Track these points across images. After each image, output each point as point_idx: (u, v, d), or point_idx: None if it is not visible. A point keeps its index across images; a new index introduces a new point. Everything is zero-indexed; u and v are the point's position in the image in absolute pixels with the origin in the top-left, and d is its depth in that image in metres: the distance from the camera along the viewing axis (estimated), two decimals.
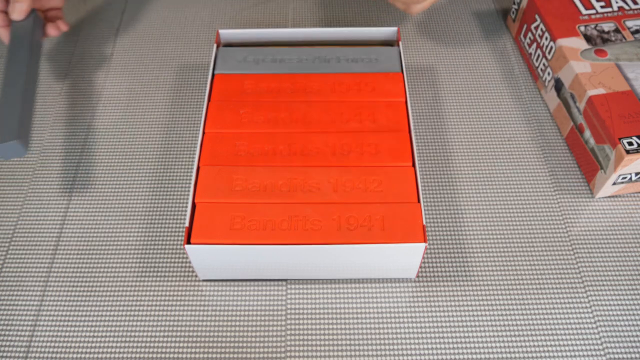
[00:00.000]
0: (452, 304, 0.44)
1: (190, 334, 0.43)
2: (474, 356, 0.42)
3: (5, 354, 0.42)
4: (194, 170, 0.44)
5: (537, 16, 0.57)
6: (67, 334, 0.43)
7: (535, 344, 0.43)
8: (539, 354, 0.42)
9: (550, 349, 0.42)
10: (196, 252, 0.41)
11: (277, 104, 0.49)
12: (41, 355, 0.42)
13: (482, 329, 0.43)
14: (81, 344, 0.43)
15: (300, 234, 0.41)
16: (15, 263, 0.47)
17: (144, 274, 0.46)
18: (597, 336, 0.43)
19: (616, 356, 0.42)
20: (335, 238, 0.41)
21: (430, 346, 0.42)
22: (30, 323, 0.44)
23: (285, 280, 0.46)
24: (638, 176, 0.48)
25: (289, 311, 0.44)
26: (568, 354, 0.42)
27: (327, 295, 0.45)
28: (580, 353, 0.42)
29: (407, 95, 0.49)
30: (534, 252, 0.47)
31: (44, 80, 0.59)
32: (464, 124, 0.55)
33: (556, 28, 0.54)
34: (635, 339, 0.43)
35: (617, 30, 0.54)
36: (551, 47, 0.54)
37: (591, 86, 0.50)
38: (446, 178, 0.52)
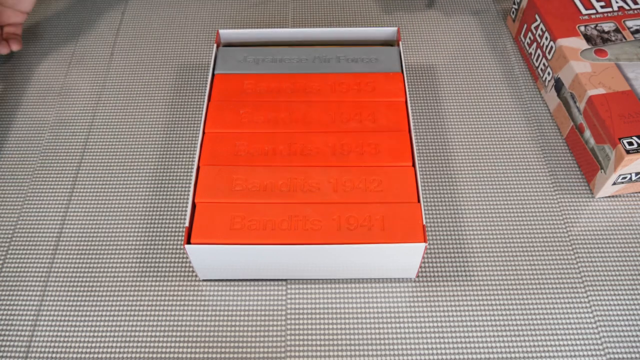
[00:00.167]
0: (452, 304, 0.44)
1: (190, 334, 0.43)
2: (474, 356, 0.42)
3: (5, 354, 0.42)
4: (194, 170, 0.44)
5: (537, 16, 0.57)
6: (67, 334, 0.43)
7: (535, 344, 0.43)
8: (539, 354, 0.42)
9: (550, 349, 0.42)
10: (196, 252, 0.41)
11: (277, 104, 0.49)
12: (41, 355, 0.42)
13: (482, 329, 0.43)
14: (81, 344, 0.43)
15: (300, 234, 0.41)
16: (15, 263, 0.47)
17: (144, 274, 0.46)
18: (597, 336, 0.43)
19: (616, 356, 0.42)
20: (335, 238, 0.41)
21: (430, 346, 0.42)
22: (30, 323, 0.44)
23: (285, 280, 0.46)
24: (638, 176, 0.48)
25: (289, 311, 0.44)
26: (568, 354, 0.42)
27: (327, 295, 0.45)
28: (580, 353, 0.42)
29: (407, 95, 0.49)
30: (534, 252, 0.47)
31: (44, 80, 0.59)
32: (464, 124, 0.55)
33: (556, 28, 0.54)
34: (635, 339, 0.43)
35: (617, 30, 0.54)
36: (551, 47, 0.54)
37: (591, 86, 0.50)
38: (446, 178, 0.52)
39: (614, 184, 0.49)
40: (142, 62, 0.61)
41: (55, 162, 0.53)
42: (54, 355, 0.42)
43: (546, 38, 0.55)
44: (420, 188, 0.43)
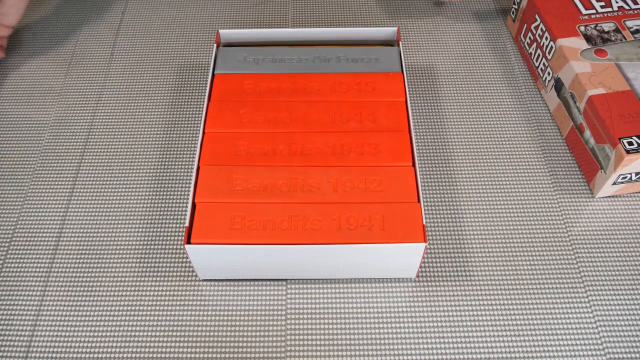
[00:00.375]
0: (452, 304, 0.44)
1: (190, 334, 0.43)
2: (474, 356, 0.42)
3: (5, 354, 0.42)
4: (194, 170, 0.44)
5: (537, 16, 0.57)
6: (67, 334, 0.43)
7: (535, 344, 0.43)
8: (539, 354, 0.42)
9: (550, 349, 0.42)
10: (196, 252, 0.41)
11: (277, 104, 0.49)
12: (41, 355, 0.42)
13: (482, 329, 0.43)
14: (81, 344, 0.43)
15: (300, 233, 0.41)
16: (15, 263, 0.47)
17: (144, 274, 0.46)
18: (597, 336, 0.43)
19: (616, 356, 0.42)
20: (335, 238, 0.41)
21: (430, 346, 0.42)
22: (30, 323, 0.44)
23: (285, 280, 0.46)
24: (638, 176, 0.48)
25: (289, 311, 0.44)
26: (568, 354, 0.42)
27: (327, 295, 0.45)
28: (580, 353, 0.42)
29: (407, 95, 0.49)
30: (534, 252, 0.47)
31: (44, 80, 0.59)
32: (464, 124, 0.55)
33: (556, 28, 0.54)
34: (635, 339, 0.43)
35: (617, 30, 0.54)
36: (551, 47, 0.54)
37: (591, 86, 0.50)
38: (446, 178, 0.52)
39: (614, 184, 0.49)
40: (142, 62, 0.61)
41: (55, 162, 0.53)
42: (54, 355, 0.42)
43: (546, 38, 0.55)
44: (420, 188, 0.43)
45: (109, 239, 0.48)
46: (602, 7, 0.56)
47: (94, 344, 0.43)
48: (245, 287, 0.45)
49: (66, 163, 0.53)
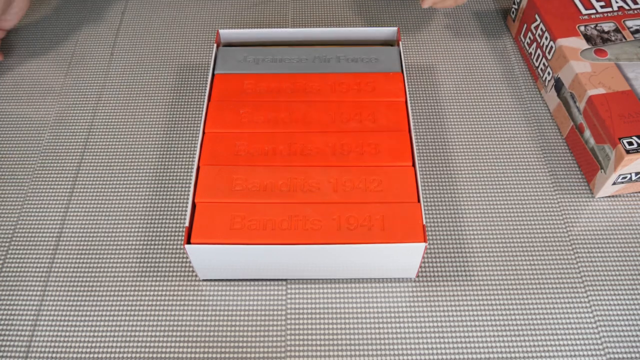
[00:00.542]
0: (452, 304, 0.44)
1: (190, 334, 0.43)
2: (474, 356, 0.42)
3: (5, 354, 0.42)
4: (194, 170, 0.44)
5: (537, 16, 0.57)
6: (67, 334, 0.43)
7: (535, 344, 0.43)
8: (539, 354, 0.42)
9: (550, 349, 0.42)
10: (196, 252, 0.41)
11: (277, 104, 0.49)
12: (41, 355, 0.42)
13: (482, 329, 0.43)
14: (81, 344, 0.43)
15: (300, 233, 0.41)
16: (15, 263, 0.47)
17: (144, 274, 0.46)
18: (597, 336, 0.43)
19: (616, 356, 0.42)
20: (335, 238, 0.41)
21: (430, 346, 0.42)
22: (30, 323, 0.44)
23: (285, 280, 0.46)
24: (638, 176, 0.48)
25: (289, 311, 0.44)
26: (568, 354, 0.42)
27: (327, 295, 0.45)
28: (580, 353, 0.42)
29: (407, 95, 0.49)
30: (534, 252, 0.47)
31: (44, 80, 0.59)
32: (464, 124, 0.55)
33: (556, 28, 0.54)
34: (635, 339, 0.43)
35: (617, 30, 0.54)
36: (551, 47, 0.54)
37: (591, 86, 0.50)
38: (446, 178, 0.52)
39: (614, 183, 0.49)
40: (142, 62, 0.61)
41: (55, 162, 0.53)
42: (54, 355, 0.42)
43: (546, 38, 0.55)
44: (420, 188, 0.43)
45: (109, 239, 0.48)
46: (602, 7, 0.56)
47: (94, 344, 0.43)
48: (245, 287, 0.45)
49: (66, 163, 0.53)
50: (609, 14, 0.55)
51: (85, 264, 0.47)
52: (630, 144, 0.46)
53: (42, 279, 0.46)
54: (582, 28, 0.54)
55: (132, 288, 0.45)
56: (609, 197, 0.50)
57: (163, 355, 0.42)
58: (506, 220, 0.49)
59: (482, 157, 0.53)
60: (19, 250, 0.48)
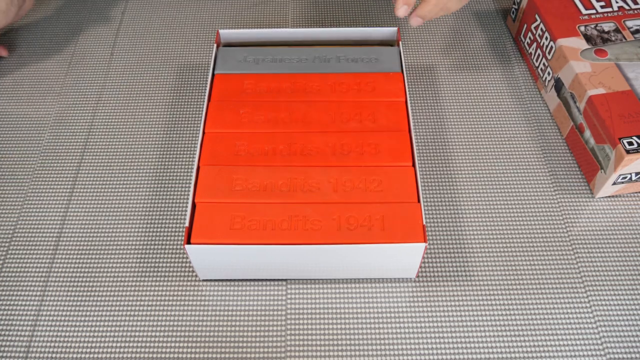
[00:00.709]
0: (452, 304, 0.44)
1: (190, 334, 0.43)
2: (474, 356, 0.42)
3: (5, 354, 0.42)
4: (194, 170, 0.44)
5: (537, 16, 0.57)
6: (67, 334, 0.43)
7: (535, 344, 0.43)
8: (539, 354, 0.42)
9: (550, 349, 0.42)
10: (196, 252, 0.41)
11: (277, 104, 0.49)
12: (41, 355, 0.42)
13: (482, 329, 0.43)
14: (81, 344, 0.43)
15: (300, 234, 0.41)
16: (15, 263, 0.47)
17: (144, 274, 0.46)
18: (597, 336, 0.43)
19: (616, 356, 0.42)
20: (335, 238, 0.41)
21: (430, 346, 0.42)
22: (30, 323, 0.44)
23: (285, 280, 0.46)
24: (638, 176, 0.48)
25: (289, 311, 0.44)
26: (568, 354, 0.42)
27: (327, 295, 0.45)
28: (580, 353, 0.42)
29: (407, 95, 0.49)
30: (534, 252, 0.47)
31: (44, 80, 0.59)
32: (464, 124, 0.55)
33: (556, 28, 0.54)
34: (635, 339, 0.43)
35: (617, 30, 0.54)
36: (551, 47, 0.54)
37: (591, 86, 0.50)
38: (446, 178, 0.52)
39: (614, 184, 0.49)
40: (142, 62, 0.61)
41: (55, 162, 0.53)
42: (54, 355, 0.42)
43: (546, 38, 0.55)
44: (420, 188, 0.43)
45: (109, 239, 0.48)
46: (602, 7, 0.56)
47: (94, 344, 0.43)
48: (245, 287, 0.45)
49: (66, 163, 0.53)
50: (609, 14, 0.55)
51: (85, 264, 0.47)
52: (630, 144, 0.46)
53: (42, 279, 0.46)
54: (582, 28, 0.54)
55: (132, 288, 0.45)
56: (609, 197, 0.50)
57: (163, 355, 0.42)
58: (506, 220, 0.49)
59: (482, 157, 0.53)
60: (19, 250, 0.48)
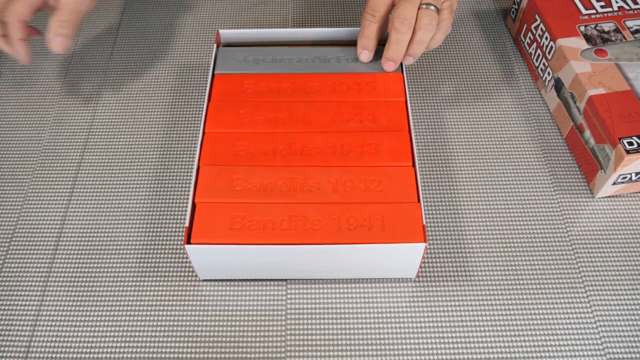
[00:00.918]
0: (452, 304, 0.44)
1: (190, 334, 0.43)
2: (474, 356, 0.42)
3: (5, 354, 0.42)
4: (194, 170, 0.44)
5: (537, 16, 0.57)
6: (67, 334, 0.43)
7: (535, 344, 0.43)
8: (539, 354, 0.42)
9: (550, 349, 0.42)
10: (196, 252, 0.41)
11: (277, 104, 0.49)
12: (41, 355, 0.42)
13: (482, 329, 0.43)
14: (81, 344, 0.43)
15: (300, 234, 0.41)
16: (15, 263, 0.47)
17: (144, 274, 0.46)
18: (597, 336, 0.43)
19: (616, 356, 0.42)
20: (335, 238, 0.41)
21: (430, 346, 0.42)
22: (30, 323, 0.44)
23: (285, 280, 0.46)
24: (638, 176, 0.48)
25: (289, 311, 0.44)
26: (568, 354, 0.42)
27: (327, 295, 0.45)
28: (580, 353, 0.42)
29: (407, 95, 0.49)
30: (534, 252, 0.47)
31: (44, 80, 0.59)
32: (464, 124, 0.55)
33: (556, 28, 0.54)
34: (635, 339, 0.43)
35: (617, 30, 0.54)
36: (551, 47, 0.54)
37: (591, 86, 0.50)
38: (446, 178, 0.52)
39: (614, 184, 0.49)
40: (142, 62, 0.61)
41: (55, 162, 0.53)
42: (54, 355, 0.42)
43: (546, 38, 0.55)
44: (420, 188, 0.43)
45: (109, 239, 0.48)
46: (602, 7, 0.56)
47: (94, 344, 0.43)
48: (245, 287, 0.45)
49: (66, 163, 0.53)
50: (609, 14, 0.55)
51: (85, 264, 0.47)
52: (631, 144, 0.46)
53: (42, 279, 0.46)
54: (582, 28, 0.54)
55: (132, 288, 0.45)
56: (609, 197, 0.50)
57: (163, 355, 0.42)
58: (506, 220, 0.49)
59: (482, 157, 0.53)
60: (19, 250, 0.48)
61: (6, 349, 0.42)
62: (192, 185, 0.44)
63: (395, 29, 0.47)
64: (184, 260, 0.47)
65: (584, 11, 0.56)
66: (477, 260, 0.47)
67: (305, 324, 0.43)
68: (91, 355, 0.42)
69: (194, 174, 0.44)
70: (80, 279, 0.46)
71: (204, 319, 0.44)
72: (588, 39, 0.53)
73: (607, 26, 0.54)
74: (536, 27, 0.57)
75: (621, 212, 0.49)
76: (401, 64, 0.51)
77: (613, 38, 0.53)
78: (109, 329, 0.43)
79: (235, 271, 0.44)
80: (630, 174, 0.48)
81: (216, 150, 0.46)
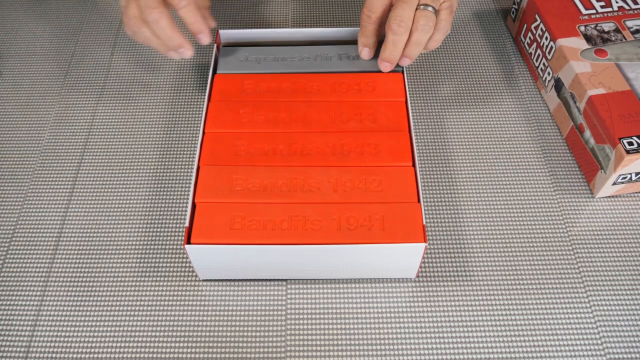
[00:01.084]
0: (452, 304, 0.44)
1: (190, 334, 0.43)
2: (474, 356, 0.42)
3: (5, 354, 0.42)
4: (194, 170, 0.44)
5: (537, 16, 0.57)
6: (67, 334, 0.43)
7: (535, 344, 0.43)
8: (539, 354, 0.42)
9: (550, 349, 0.42)
10: (196, 252, 0.41)
11: (277, 103, 0.49)
12: (41, 355, 0.42)
13: (482, 329, 0.43)
14: (81, 344, 0.43)
15: (300, 234, 0.41)
16: (15, 263, 0.47)
17: (144, 274, 0.46)
18: (597, 336, 0.43)
19: (616, 356, 0.42)
20: (335, 238, 0.41)
21: (430, 346, 0.42)
22: (30, 323, 0.44)
23: (285, 280, 0.46)
24: (638, 176, 0.48)
25: (289, 311, 0.44)
26: (568, 354, 0.42)
27: (327, 295, 0.45)
28: (580, 353, 0.42)
29: (407, 95, 0.49)
30: (534, 252, 0.47)
31: (44, 80, 0.59)
32: (464, 124, 0.55)
33: (556, 28, 0.54)
34: (635, 339, 0.43)
35: (617, 30, 0.54)
36: (551, 47, 0.54)
37: (591, 86, 0.50)
38: (446, 178, 0.52)
39: (614, 184, 0.49)
40: (142, 62, 0.61)
41: (55, 162, 0.53)
42: (54, 355, 0.42)
43: (546, 38, 0.55)
44: (420, 188, 0.43)
45: (109, 239, 0.48)
46: (602, 7, 0.56)
47: (94, 344, 0.43)
48: (245, 287, 0.45)
49: (66, 163, 0.53)
50: (609, 14, 0.55)
51: (85, 264, 0.47)
52: (631, 144, 0.46)
53: (42, 279, 0.46)
54: (582, 28, 0.54)
55: (132, 288, 0.45)
56: (609, 197, 0.50)
57: (163, 355, 0.42)
58: (506, 220, 0.49)
59: (482, 157, 0.53)
60: (19, 250, 0.48)
61: (6, 349, 0.42)
62: (192, 185, 0.44)
63: (392, 30, 0.47)
64: (184, 260, 0.47)
65: (584, 11, 0.56)
66: (477, 260, 0.47)
67: (305, 324, 0.43)
68: (91, 355, 0.42)
69: (194, 174, 0.44)
70: (80, 279, 0.46)
71: (204, 319, 0.44)
72: (588, 39, 0.53)
73: (607, 26, 0.54)
74: (536, 27, 0.57)
75: (621, 212, 0.49)
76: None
77: (613, 38, 0.53)
78: (109, 329, 0.43)
79: (235, 271, 0.44)
80: (630, 174, 0.48)
81: (216, 150, 0.46)
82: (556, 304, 0.44)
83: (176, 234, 0.48)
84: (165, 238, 0.48)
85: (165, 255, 0.47)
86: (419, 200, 0.43)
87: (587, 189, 0.51)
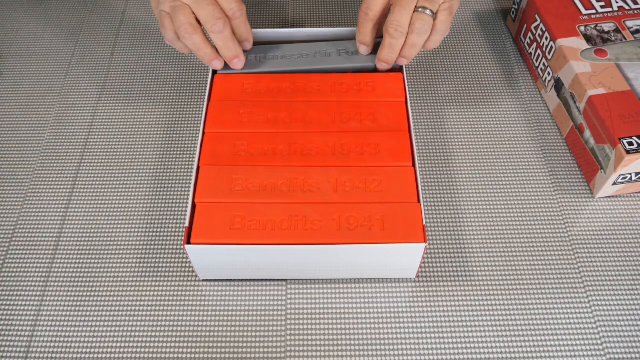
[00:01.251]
0: (452, 304, 0.44)
1: (190, 334, 0.43)
2: (474, 356, 0.42)
3: (5, 354, 0.42)
4: (194, 170, 0.44)
5: (537, 16, 0.57)
6: (67, 334, 0.43)
7: (535, 344, 0.43)
8: (539, 354, 0.42)
9: (550, 349, 0.42)
10: (196, 252, 0.41)
11: (277, 104, 0.49)
12: (41, 355, 0.42)
13: (482, 329, 0.43)
14: (81, 344, 0.43)
15: (300, 234, 0.41)
16: (15, 263, 0.47)
17: (144, 274, 0.46)
18: (597, 336, 0.43)
19: (616, 356, 0.42)
20: (335, 238, 0.41)
21: (430, 346, 0.42)
22: (30, 323, 0.44)
23: (285, 280, 0.46)
24: (638, 176, 0.48)
25: (289, 311, 0.44)
26: (568, 354, 0.42)
27: (327, 295, 0.45)
28: (580, 353, 0.42)
29: (407, 95, 0.49)
30: (534, 252, 0.47)
31: (44, 80, 0.59)
32: (464, 124, 0.55)
33: (556, 28, 0.54)
34: (635, 339, 0.43)
35: (617, 30, 0.54)
36: (551, 47, 0.54)
37: (591, 86, 0.50)
38: (446, 178, 0.52)
39: (614, 184, 0.49)
40: (142, 62, 0.61)
41: (55, 162, 0.53)
42: (54, 355, 0.42)
43: (546, 38, 0.55)
44: (420, 188, 0.43)
45: (109, 239, 0.48)
46: (602, 7, 0.56)
47: (94, 344, 0.43)
48: (245, 287, 0.45)
49: (66, 163, 0.53)
50: (609, 14, 0.55)
51: (85, 264, 0.47)
52: (631, 144, 0.46)
53: (42, 279, 0.46)
54: (582, 28, 0.54)
55: (132, 288, 0.45)
56: (609, 197, 0.50)
57: (163, 355, 0.42)
58: (506, 221, 0.49)
59: (482, 157, 0.53)
60: (19, 250, 0.48)
61: (6, 349, 0.42)
62: (192, 185, 0.44)
63: (389, 34, 0.47)
64: (184, 260, 0.47)
65: (584, 11, 0.56)
66: (477, 260, 0.47)
67: (305, 324, 0.43)
68: (91, 355, 0.42)
69: (194, 174, 0.44)
70: (80, 279, 0.46)
71: (204, 319, 0.44)
72: (588, 39, 0.53)
73: (607, 26, 0.54)
74: (536, 27, 0.57)
75: (621, 212, 0.49)
76: (401, 65, 0.51)
77: (613, 38, 0.53)
78: (109, 329, 0.43)
79: (235, 271, 0.44)
80: (630, 174, 0.48)
81: (216, 150, 0.46)
82: (556, 304, 0.44)
83: (176, 234, 0.48)
84: (165, 238, 0.48)
85: (165, 256, 0.47)
86: (419, 200, 0.43)
87: (587, 189, 0.51)
